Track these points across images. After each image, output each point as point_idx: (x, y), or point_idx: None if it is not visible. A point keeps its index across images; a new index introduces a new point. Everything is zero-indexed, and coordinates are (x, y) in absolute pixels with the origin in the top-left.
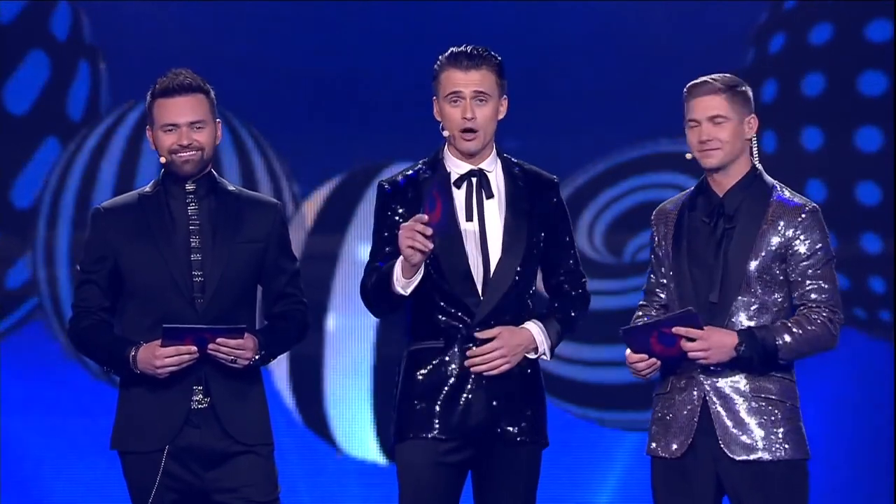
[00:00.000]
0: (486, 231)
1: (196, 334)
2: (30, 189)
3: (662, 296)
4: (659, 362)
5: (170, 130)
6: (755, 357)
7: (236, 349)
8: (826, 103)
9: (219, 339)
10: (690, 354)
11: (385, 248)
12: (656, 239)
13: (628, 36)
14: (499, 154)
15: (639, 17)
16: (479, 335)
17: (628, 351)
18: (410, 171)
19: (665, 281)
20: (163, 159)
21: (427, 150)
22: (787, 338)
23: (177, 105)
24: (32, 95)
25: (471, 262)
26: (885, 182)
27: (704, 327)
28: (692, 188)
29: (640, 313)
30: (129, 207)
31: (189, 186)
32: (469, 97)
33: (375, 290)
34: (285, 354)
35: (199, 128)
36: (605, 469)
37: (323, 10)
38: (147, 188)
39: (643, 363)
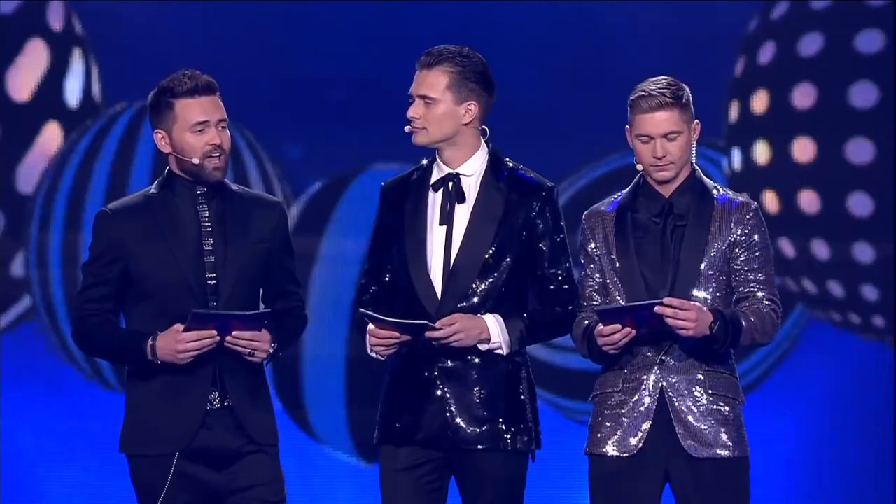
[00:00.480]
0: (453, 236)
1: (222, 321)
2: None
3: (599, 299)
4: (633, 333)
5: (200, 131)
6: (725, 337)
7: (254, 341)
8: (818, 113)
9: (236, 333)
10: (678, 323)
11: (377, 257)
12: (592, 242)
13: (622, 38)
14: (492, 159)
15: (632, 21)
16: (438, 323)
17: (600, 326)
18: (407, 172)
19: (603, 283)
20: (196, 160)
21: (421, 154)
22: (745, 323)
23: (206, 104)
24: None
25: (435, 265)
26: (876, 193)
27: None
28: (626, 190)
29: (582, 316)
30: (137, 209)
31: (199, 188)
32: (416, 98)
33: (356, 330)
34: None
35: (224, 127)
36: None
37: (314, 12)
38: (152, 189)
39: (619, 334)
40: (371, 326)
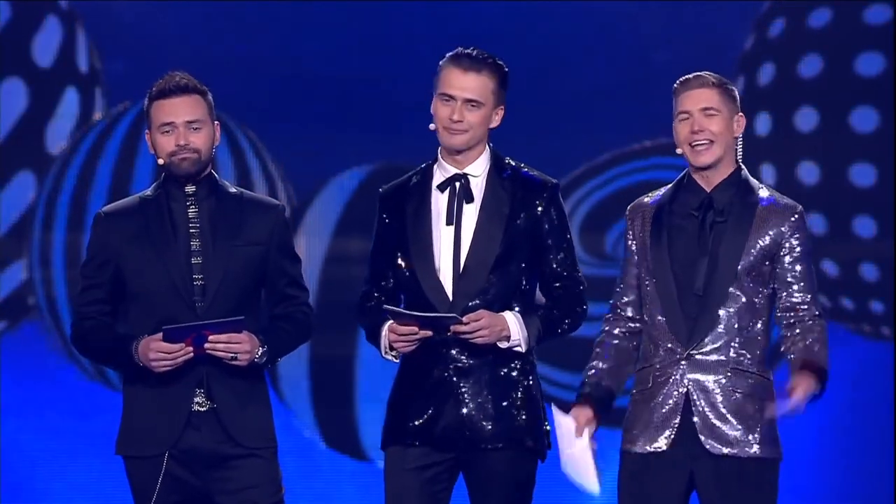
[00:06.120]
0: (462, 235)
1: (195, 331)
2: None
3: (631, 309)
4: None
5: (167, 132)
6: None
7: (231, 343)
8: (822, 84)
9: (211, 337)
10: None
11: (378, 263)
12: (631, 235)
13: (626, 34)
14: (494, 158)
15: (634, 15)
16: (465, 318)
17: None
18: (405, 177)
19: (639, 277)
20: (161, 161)
21: (424, 154)
22: (825, 363)
23: (174, 105)
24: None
25: (444, 266)
26: (879, 163)
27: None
28: (671, 185)
29: (608, 320)
30: (129, 211)
31: (189, 188)
32: (461, 101)
33: (367, 334)
34: (306, 354)
35: (196, 128)
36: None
37: (320, 12)
38: (148, 191)
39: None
40: (391, 323)
